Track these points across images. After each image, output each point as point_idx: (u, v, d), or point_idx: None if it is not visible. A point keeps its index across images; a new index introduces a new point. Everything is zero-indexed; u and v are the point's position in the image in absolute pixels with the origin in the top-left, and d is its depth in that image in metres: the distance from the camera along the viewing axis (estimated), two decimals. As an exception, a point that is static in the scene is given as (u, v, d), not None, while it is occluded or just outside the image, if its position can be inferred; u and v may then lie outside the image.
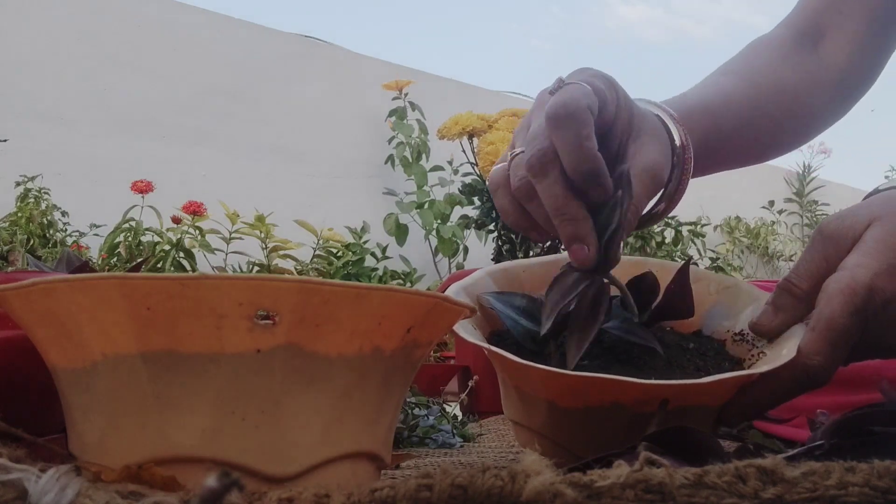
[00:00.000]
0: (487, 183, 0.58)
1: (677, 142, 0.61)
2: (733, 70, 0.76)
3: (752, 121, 0.73)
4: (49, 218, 2.46)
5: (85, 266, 0.59)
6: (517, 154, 0.54)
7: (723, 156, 0.71)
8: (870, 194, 0.58)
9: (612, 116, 0.55)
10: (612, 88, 0.55)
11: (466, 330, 0.53)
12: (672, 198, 0.62)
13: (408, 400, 0.83)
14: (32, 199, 2.47)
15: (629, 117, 0.56)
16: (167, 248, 2.41)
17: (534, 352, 0.52)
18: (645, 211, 0.60)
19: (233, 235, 2.48)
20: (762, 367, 0.50)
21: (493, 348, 0.50)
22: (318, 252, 2.75)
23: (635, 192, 0.53)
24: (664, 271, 0.61)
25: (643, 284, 0.58)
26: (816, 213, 5.25)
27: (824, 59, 0.79)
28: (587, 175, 0.50)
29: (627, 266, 0.63)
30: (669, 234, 3.60)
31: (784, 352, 0.50)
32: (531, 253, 2.00)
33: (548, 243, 2.00)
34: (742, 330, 0.57)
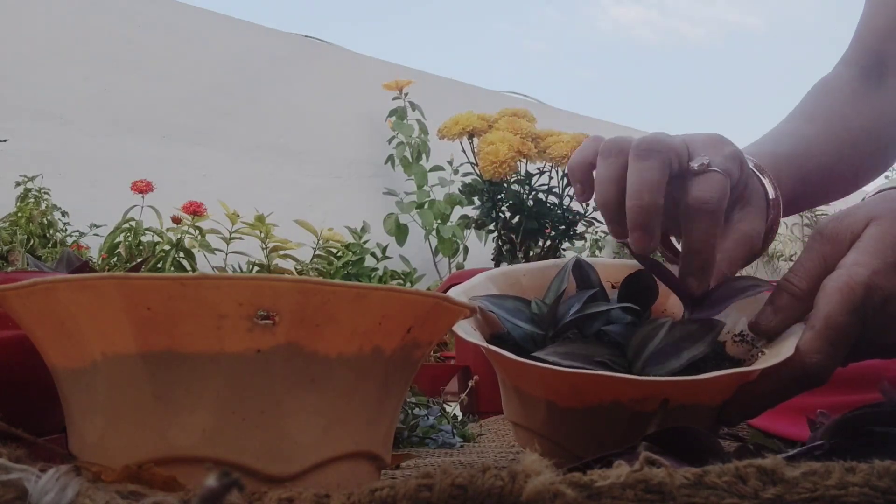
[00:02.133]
0: (600, 144, 0.59)
1: (771, 195, 0.63)
2: (810, 116, 0.78)
3: (834, 167, 0.76)
4: (49, 218, 2.46)
5: (85, 266, 0.59)
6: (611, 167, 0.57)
7: (805, 201, 0.75)
8: (873, 195, 0.58)
9: (735, 193, 0.58)
10: (740, 168, 0.58)
11: (466, 330, 0.53)
12: (764, 248, 0.64)
13: (408, 400, 0.83)
14: (32, 199, 2.47)
15: (743, 189, 0.59)
16: (167, 248, 2.41)
17: (533, 353, 0.52)
18: None
19: (233, 235, 2.48)
20: (761, 364, 0.50)
21: (493, 347, 0.51)
22: (318, 252, 2.75)
23: (732, 254, 0.58)
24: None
25: (640, 284, 0.58)
26: (816, 212, 5.24)
27: (892, 91, 0.82)
28: (702, 263, 0.55)
29: (627, 269, 0.63)
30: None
31: (783, 350, 0.50)
32: (531, 253, 2.00)
33: (547, 243, 2.01)
34: (742, 331, 0.57)
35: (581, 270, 0.60)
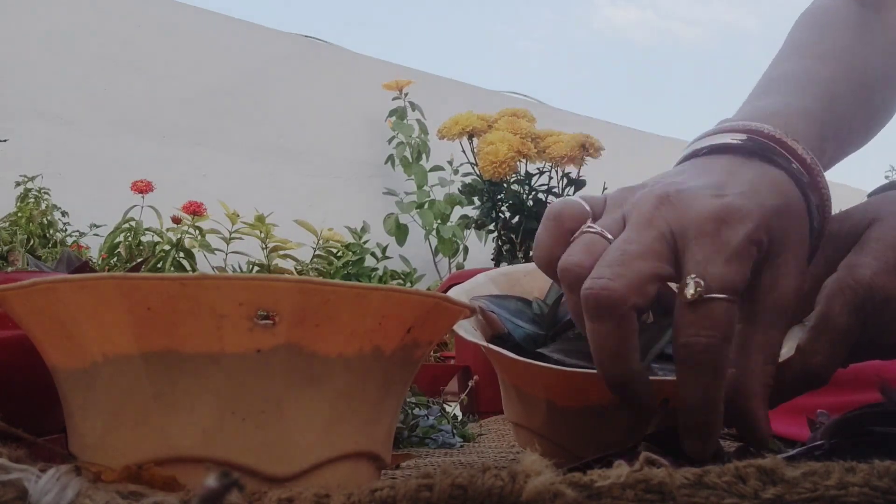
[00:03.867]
0: (548, 209, 0.48)
1: (792, 162, 0.47)
2: (821, 54, 0.63)
3: (853, 117, 0.62)
4: (49, 218, 2.46)
5: (85, 266, 0.59)
6: (591, 231, 0.45)
7: (826, 160, 0.59)
8: (872, 193, 0.58)
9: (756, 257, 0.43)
10: (756, 252, 0.43)
11: (467, 330, 0.53)
12: (817, 240, 0.50)
13: (408, 400, 0.83)
14: (32, 199, 2.47)
15: (768, 244, 0.44)
16: (167, 248, 2.41)
17: (534, 353, 0.52)
18: None
19: (233, 235, 2.48)
20: None
21: (493, 347, 0.51)
22: (318, 252, 2.75)
23: (772, 342, 0.45)
24: None
25: None
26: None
27: (888, 24, 0.71)
28: (701, 426, 0.42)
29: None
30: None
31: (783, 350, 0.50)
32: (531, 253, 2.00)
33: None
34: None
35: None
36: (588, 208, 0.47)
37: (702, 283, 0.40)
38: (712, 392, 0.41)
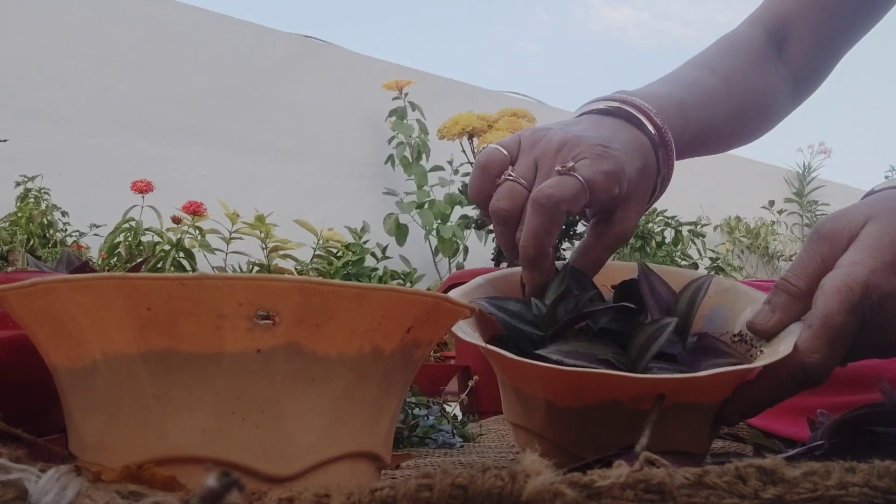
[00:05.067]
0: (476, 159, 0.62)
1: (652, 130, 0.64)
2: (713, 68, 0.77)
3: (722, 123, 0.76)
4: (49, 218, 2.46)
5: (85, 266, 0.59)
6: (510, 179, 0.59)
7: (691, 149, 0.74)
8: (867, 194, 0.58)
9: (617, 194, 0.59)
10: (616, 186, 0.59)
11: (465, 332, 0.53)
12: (659, 194, 0.66)
13: (408, 400, 0.83)
14: (32, 199, 2.47)
15: (629, 187, 0.60)
16: (167, 248, 2.41)
17: (532, 354, 0.52)
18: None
19: (233, 235, 2.48)
20: (760, 362, 0.50)
21: (492, 348, 0.51)
22: (318, 252, 2.75)
23: (597, 257, 0.62)
24: (665, 276, 0.61)
25: (634, 290, 0.59)
26: (816, 213, 5.25)
27: (787, 62, 0.82)
28: (531, 260, 0.57)
29: (626, 271, 0.64)
30: (669, 235, 3.60)
31: (781, 348, 0.50)
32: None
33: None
34: (741, 331, 0.57)
35: (575, 276, 0.60)
36: (506, 154, 0.61)
37: (573, 165, 0.57)
38: (540, 233, 0.56)
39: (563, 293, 0.57)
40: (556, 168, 0.57)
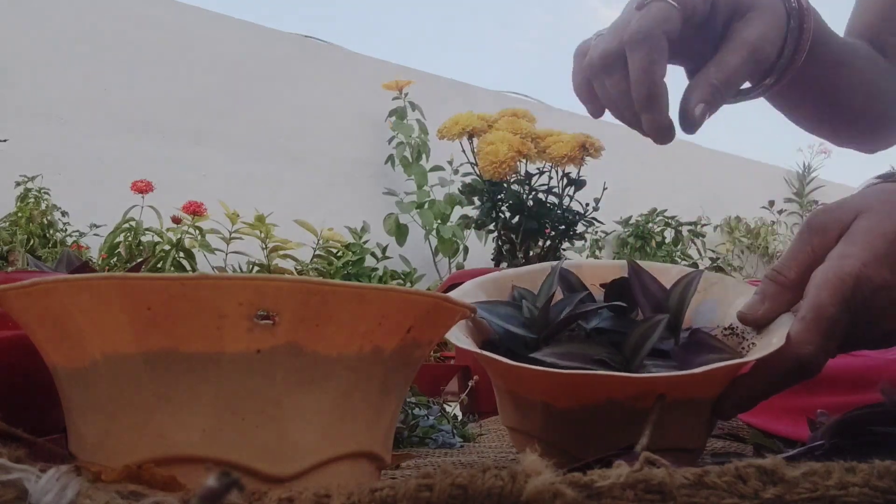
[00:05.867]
0: (575, 51, 0.61)
1: (794, 2, 0.59)
2: (852, 50, 0.72)
3: (856, 81, 0.72)
4: (49, 218, 2.46)
5: (85, 266, 0.59)
6: (601, 34, 0.57)
7: (833, 113, 0.71)
8: (862, 187, 0.58)
9: (706, 12, 0.56)
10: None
11: (458, 338, 0.53)
12: (784, 71, 0.61)
13: (408, 400, 0.83)
14: (32, 199, 2.47)
15: (735, 2, 0.57)
16: (167, 248, 2.41)
17: (527, 357, 0.52)
18: (749, 85, 0.63)
19: (233, 235, 2.48)
20: (754, 355, 0.50)
21: (487, 353, 0.50)
22: (318, 252, 2.75)
23: (729, 63, 0.55)
24: (654, 273, 0.61)
25: (624, 288, 0.59)
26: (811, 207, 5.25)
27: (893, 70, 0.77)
28: (646, 100, 0.54)
29: (616, 270, 0.64)
30: (669, 235, 3.60)
31: (774, 340, 0.50)
32: (531, 253, 2.00)
33: (547, 243, 2.01)
34: (731, 324, 0.57)
35: (564, 279, 0.60)
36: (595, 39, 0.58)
37: None
38: (647, 65, 0.53)
39: (553, 295, 0.57)
40: (634, 6, 0.55)
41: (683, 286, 0.57)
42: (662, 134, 0.55)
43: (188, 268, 2.39)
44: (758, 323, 0.53)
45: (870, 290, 0.48)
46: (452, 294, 0.60)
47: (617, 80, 0.55)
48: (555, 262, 0.63)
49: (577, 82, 0.60)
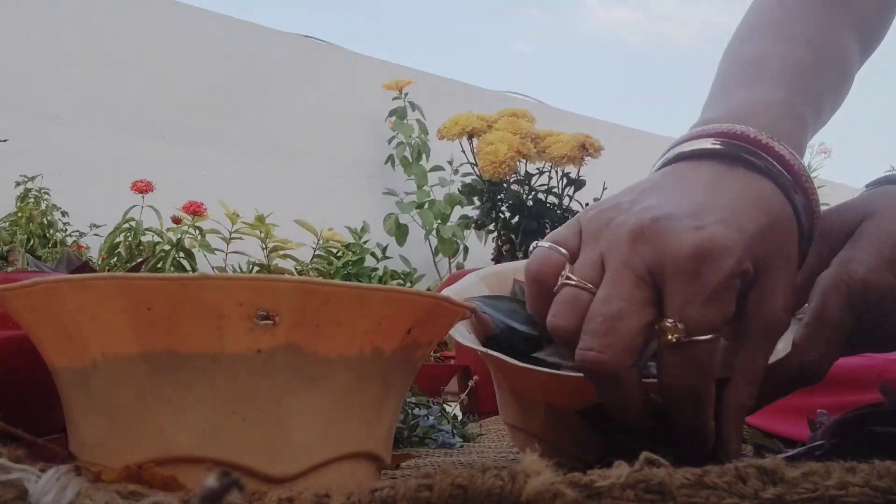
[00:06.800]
0: (526, 267, 0.47)
1: (778, 166, 0.46)
2: (791, 38, 0.58)
3: (827, 98, 0.58)
4: (49, 218, 2.46)
5: (85, 266, 0.58)
6: (570, 284, 0.43)
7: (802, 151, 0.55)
8: (868, 185, 0.58)
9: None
10: (737, 286, 0.42)
11: (462, 334, 0.53)
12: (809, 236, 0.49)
13: (408, 400, 0.83)
14: (32, 199, 2.47)
15: (749, 262, 0.42)
16: (167, 248, 2.41)
17: (529, 354, 0.52)
18: None
19: (233, 235, 2.48)
20: None
21: (490, 352, 0.50)
22: (318, 252, 2.75)
23: (754, 367, 0.44)
24: None
25: None
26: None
27: (849, 9, 0.65)
28: (691, 446, 0.43)
29: None
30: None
31: (779, 347, 0.50)
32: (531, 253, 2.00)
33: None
34: None
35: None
36: (564, 252, 0.45)
37: (681, 326, 0.40)
38: (699, 423, 0.42)
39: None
40: (664, 340, 0.41)
41: None
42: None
43: (188, 268, 2.39)
44: None
45: (875, 295, 0.48)
46: (455, 286, 0.59)
47: (602, 393, 0.43)
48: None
49: (537, 314, 0.47)
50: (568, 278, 0.43)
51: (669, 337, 0.40)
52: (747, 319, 0.44)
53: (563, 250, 0.45)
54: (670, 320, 0.40)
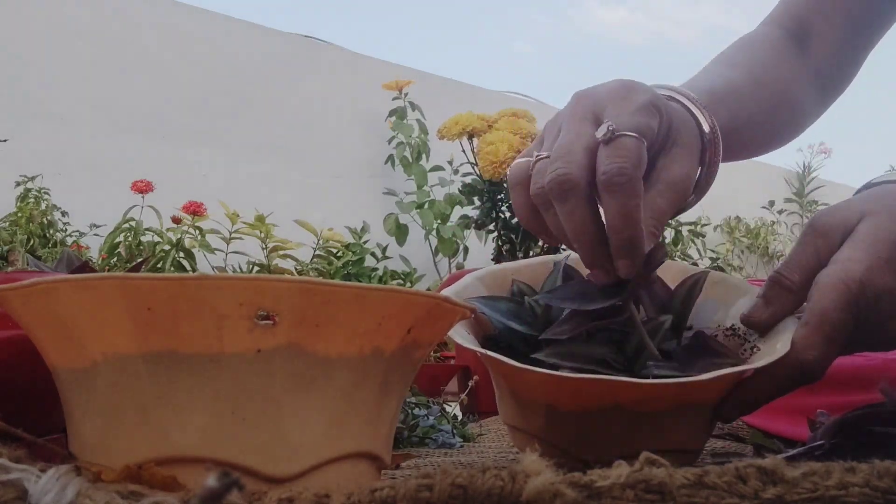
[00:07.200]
0: (507, 175, 0.57)
1: (706, 128, 0.58)
2: (736, 63, 0.74)
3: (756, 116, 0.72)
4: (49, 218, 2.46)
5: (85, 266, 0.58)
6: (542, 158, 0.53)
7: (730, 148, 0.68)
8: (865, 186, 0.58)
9: (655, 143, 0.54)
10: (657, 115, 0.53)
11: (461, 335, 0.53)
12: (702, 189, 0.60)
13: (408, 400, 0.83)
14: (32, 199, 2.47)
15: (666, 130, 0.55)
16: (167, 248, 2.41)
17: (527, 355, 0.52)
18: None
19: (233, 235, 2.48)
20: (759, 362, 0.50)
21: (490, 353, 0.50)
22: (318, 252, 2.75)
23: (659, 207, 0.53)
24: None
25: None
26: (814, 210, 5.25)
27: (809, 60, 0.79)
28: (627, 245, 0.50)
29: None
30: (669, 234, 3.60)
31: (778, 346, 0.50)
32: (531, 253, 2.00)
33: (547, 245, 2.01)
34: (733, 325, 0.57)
35: (567, 275, 0.60)
36: (531, 158, 0.54)
37: (612, 124, 0.50)
38: (630, 210, 0.49)
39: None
40: (599, 137, 0.50)
41: (689, 287, 0.57)
42: (631, 275, 0.52)
43: (188, 268, 2.39)
44: (761, 326, 0.53)
45: (874, 294, 0.48)
46: (452, 287, 0.59)
47: (571, 209, 0.51)
48: (556, 256, 0.63)
49: (525, 216, 0.56)
50: (537, 156, 0.54)
51: (602, 133, 0.50)
52: (656, 176, 0.54)
53: (532, 157, 0.55)
54: (606, 123, 0.50)
